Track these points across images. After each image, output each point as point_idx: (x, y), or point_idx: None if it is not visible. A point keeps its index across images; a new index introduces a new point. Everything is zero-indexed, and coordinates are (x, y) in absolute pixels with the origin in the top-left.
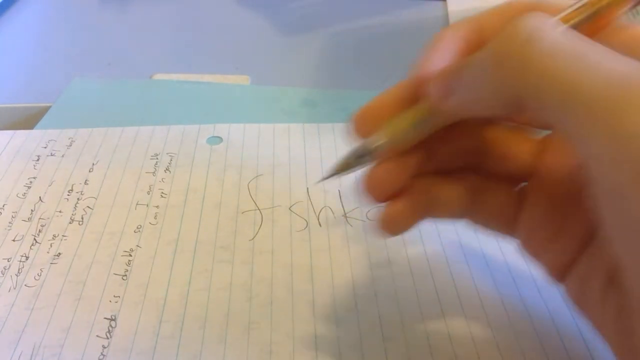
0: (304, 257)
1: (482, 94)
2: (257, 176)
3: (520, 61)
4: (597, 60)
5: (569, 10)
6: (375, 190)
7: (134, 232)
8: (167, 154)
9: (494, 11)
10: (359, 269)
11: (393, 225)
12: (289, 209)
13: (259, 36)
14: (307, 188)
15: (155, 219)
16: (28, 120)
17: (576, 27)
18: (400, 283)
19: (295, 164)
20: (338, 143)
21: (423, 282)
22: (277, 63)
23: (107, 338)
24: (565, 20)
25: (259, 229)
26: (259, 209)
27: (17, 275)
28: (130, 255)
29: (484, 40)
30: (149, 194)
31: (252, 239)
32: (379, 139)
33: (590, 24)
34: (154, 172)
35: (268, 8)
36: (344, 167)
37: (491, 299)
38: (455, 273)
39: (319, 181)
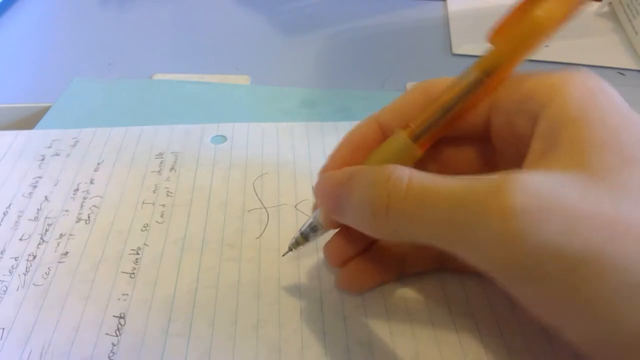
0: (311, 255)
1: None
2: (262, 175)
3: (391, 215)
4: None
5: (422, 118)
6: (330, 259)
7: (141, 230)
8: (171, 153)
9: (391, 109)
10: None
11: (348, 287)
12: (295, 207)
13: (259, 36)
14: (312, 186)
15: (162, 217)
16: (28, 120)
17: (432, 126)
18: (407, 280)
19: (300, 163)
20: None
21: (430, 276)
22: (277, 63)
23: (117, 336)
24: (420, 125)
25: (266, 227)
26: (264, 207)
27: (25, 274)
28: (138, 254)
29: (385, 135)
30: (154, 192)
31: (259, 237)
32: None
33: (484, 87)
34: (159, 171)
35: (268, 8)
36: (302, 240)
37: (497, 293)
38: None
39: (284, 254)
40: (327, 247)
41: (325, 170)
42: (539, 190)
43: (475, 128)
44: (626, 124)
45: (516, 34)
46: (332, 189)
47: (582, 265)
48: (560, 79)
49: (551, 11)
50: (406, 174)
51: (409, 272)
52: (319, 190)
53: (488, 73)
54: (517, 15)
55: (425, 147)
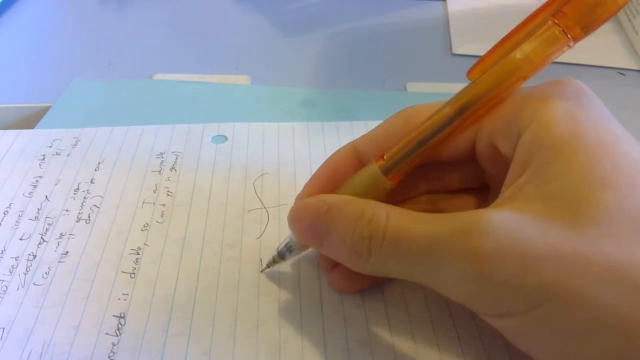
0: (311, 255)
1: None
2: (262, 174)
3: (372, 258)
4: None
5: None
6: (322, 264)
7: (141, 230)
8: (172, 152)
9: (369, 137)
10: None
11: (340, 286)
12: None
13: (259, 36)
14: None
15: (162, 217)
16: (28, 120)
17: (405, 159)
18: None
19: (300, 162)
20: (342, 141)
21: None
22: (277, 63)
23: (117, 335)
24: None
25: (266, 227)
26: (265, 208)
27: (25, 274)
28: (138, 254)
29: (361, 163)
30: (155, 192)
31: (259, 237)
32: None
33: (457, 124)
34: (159, 171)
35: (268, 8)
36: (279, 258)
37: None
38: None
39: (263, 270)
40: (319, 253)
41: (300, 197)
42: (499, 232)
43: (459, 152)
44: (604, 144)
45: (493, 74)
46: (310, 220)
47: (544, 302)
48: (540, 100)
49: (530, 55)
50: (384, 216)
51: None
52: (294, 218)
53: (461, 111)
54: (497, 54)
55: (397, 179)
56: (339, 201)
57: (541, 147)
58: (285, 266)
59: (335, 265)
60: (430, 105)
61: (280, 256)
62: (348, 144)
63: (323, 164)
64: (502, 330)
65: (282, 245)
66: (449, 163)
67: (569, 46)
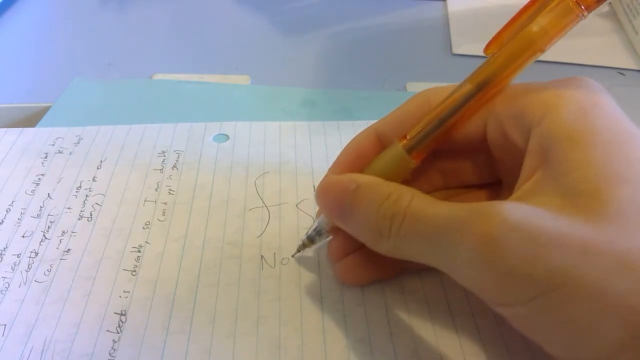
0: (311, 254)
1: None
2: (263, 173)
3: (392, 237)
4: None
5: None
6: (330, 255)
7: (143, 228)
8: (174, 151)
9: (389, 119)
10: None
11: (345, 279)
12: (296, 206)
13: (259, 36)
14: (314, 185)
15: (164, 215)
16: (28, 120)
17: (427, 137)
18: (408, 279)
19: (302, 162)
20: (343, 141)
21: (430, 277)
22: (277, 63)
23: (118, 333)
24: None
25: (267, 225)
26: (266, 206)
27: (27, 271)
28: (139, 252)
29: (383, 145)
30: (156, 190)
31: (260, 235)
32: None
33: (478, 99)
34: (161, 169)
35: (268, 8)
36: (309, 243)
37: None
38: None
39: (293, 255)
40: (330, 244)
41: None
42: (512, 218)
43: (472, 139)
44: (618, 140)
45: (510, 48)
46: (338, 195)
47: (552, 290)
48: (555, 94)
49: (546, 27)
50: (408, 198)
51: (411, 268)
52: (323, 192)
53: (481, 86)
54: (512, 28)
55: (420, 157)
56: (368, 181)
57: (557, 141)
58: (286, 265)
59: (342, 257)
60: (447, 87)
61: (310, 240)
62: (368, 127)
63: (345, 147)
64: (510, 319)
65: (312, 229)
66: (463, 155)
67: (583, 16)
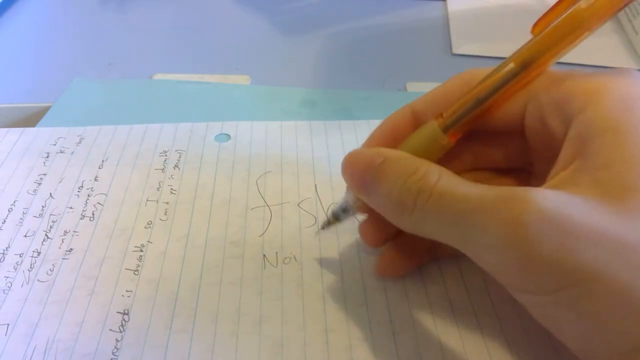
0: (313, 253)
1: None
2: (265, 173)
3: (415, 212)
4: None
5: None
6: (365, 239)
7: (145, 228)
8: (175, 151)
9: (427, 98)
10: (368, 264)
11: (385, 272)
12: (298, 205)
13: (259, 36)
14: (315, 185)
15: (166, 215)
16: (28, 120)
17: (464, 117)
18: (409, 278)
19: (303, 161)
20: (345, 140)
21: (431, 276)
22: (277, 63)
23: (120, 332)
24: (453, 113)
25: (268, 225)
26: (267, 206)
27: (29, 271)
28: (142, 251)
29: (418, 124)
30: (158, 190)
31: (262, 235)
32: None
33: (519, 79)
34: (163, 169)
35: (268, 8)
36: (333, 220)
37: (499, 290)
38: (464, 266)
39: (318, 232)
40: (362, 226)
41: None
42: (544, 205)
43: (510, 121)
44: None
45: (558, 26)
46: (363, 167)
47: (579, 283)
48: (599, 84)
49: (596, 5)
50: (436, 175)
51: (445, 256)
52: (348, 163)
53: (525, 65)
54: (561, 8)
55: (456, 137)
56: (395, 155)
57: (597, 132)
58: (287, 264)
59: (376, 241)
60: (488, 68)
61: (335, 217)
62: (404, 106)
63: (380, 124)
64: (530, 307)
65: (337, 206)
66: (497, 138)
67: None
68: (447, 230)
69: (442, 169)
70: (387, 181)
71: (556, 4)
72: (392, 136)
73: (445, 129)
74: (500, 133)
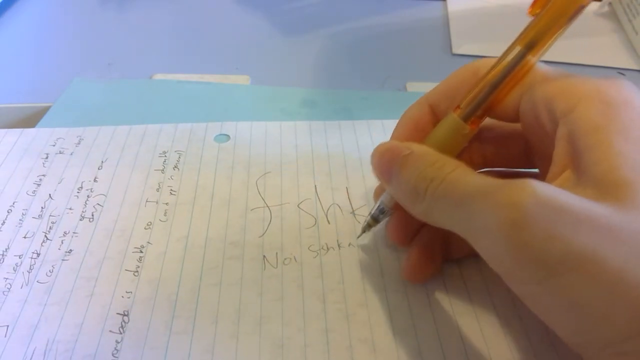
0: (313, 254)
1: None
2: (265, 173)
3: (427, 198)
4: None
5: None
6: (392, 237)
7: (144, 228)
8: (175, 151)
9: (440, 90)
10: (368, 264)
11: (412, 276)
12: (298, 206)
13: (259, 36)
14: (315, 185)
15: (165, 215)
16: (28, 120)
17: (481, 104)
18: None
19: (303, 161)
20: (345, 140)
21: (433, 279)
22: (277, 63)
23: (120, 333)
24: (469, 102)
25: (268, 225)
26: (267, 206)
27: (29, 272)
28: (141, 252)
29: (435, 115)
30: (158, 191)
31: (262, 235)
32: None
33: (527, 61)
34: (162, 170)
35: (268, 8)
36: (373, 222)
37: (499, 290)
38: (464, 266)
39: (359, 236)
40: (389, 226)
41: None
42: (540, 193)
43: (509, 112)
44: None
45: (555, 4)
46: (391, 157)
47: (570, 270)
48: (590, 86)
49: None
50: (451, 166)
51: (454, 256)
52: (377, 154)
53: (530, 45)
54: None
55: (477, 124)
56: (420, 149)
57: (588, 131)
58: (288, 265)
59: (402, 238)
60: (492, 58)
61: (374, 219)
62: (419, 99)
63: (400, 120)
64: (524, 298)
65: (375, 208)
66: (504, 138)
67: None
68: (451, 215)
69: (461, 163)
70: (407, 170)
71: None
72: (415, 130)
73: (466, 118)
74: (507, 135)
